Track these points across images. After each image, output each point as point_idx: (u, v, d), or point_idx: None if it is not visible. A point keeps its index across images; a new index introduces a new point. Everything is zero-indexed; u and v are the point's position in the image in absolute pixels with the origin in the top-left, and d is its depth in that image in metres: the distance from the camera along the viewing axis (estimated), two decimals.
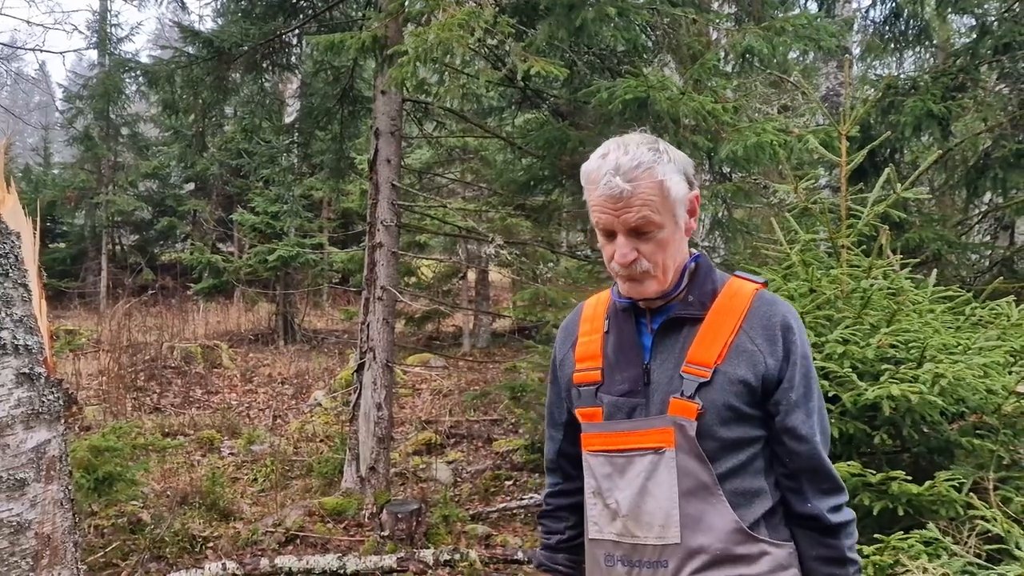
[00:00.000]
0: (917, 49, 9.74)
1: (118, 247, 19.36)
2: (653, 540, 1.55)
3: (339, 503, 6.03)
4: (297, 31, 7.44)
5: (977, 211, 8.93)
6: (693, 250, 1.68)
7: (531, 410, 7.53)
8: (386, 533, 5.47)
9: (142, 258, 18.18)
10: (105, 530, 5.45)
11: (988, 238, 9.38)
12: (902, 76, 8.08)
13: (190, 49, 7.15)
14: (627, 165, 1.50)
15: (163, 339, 11.54)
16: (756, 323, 1.57)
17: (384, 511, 5.59)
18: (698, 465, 1.53)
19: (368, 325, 6.24)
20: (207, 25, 23.18)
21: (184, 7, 7.95)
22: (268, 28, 6.99)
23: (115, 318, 12.59)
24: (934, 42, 9.54)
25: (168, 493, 6.32)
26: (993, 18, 7.93)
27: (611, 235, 1.56)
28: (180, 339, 11.87)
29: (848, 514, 1.59)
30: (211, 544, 5.49)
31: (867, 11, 8.88)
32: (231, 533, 5.66)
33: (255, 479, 7.07)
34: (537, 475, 7.15)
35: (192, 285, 14.95)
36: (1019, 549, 2.39)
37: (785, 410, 1.55)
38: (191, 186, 19.28)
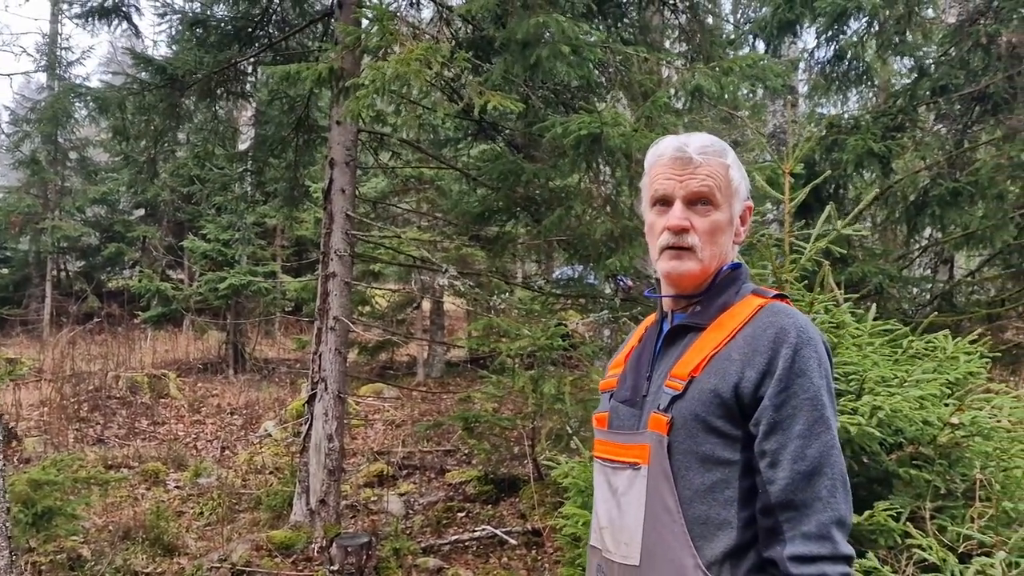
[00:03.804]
0: (860, 88, 10.10)
1: (63, 273, 18.89)
2: (619, 558, 1.52)
3: (288, 536, 5.92)
4: (252, 60, 7.44)
5: (917, 246, 9.23)
6: (738, 260, 1.64)
7: (484, 440, 7.51)
8: (335, 567, 5.38)
9: (88, 285, 17.77)
10: (43, 567, 5.27)
11: (928, 272, 9.68)
12: (845, 115, 8.37)
13: (143, 75, 7.09)
14: (700, 141, 1.56)
15: (108, 368, 11.26)
16: (746, 333, 1.46)
17: (334, 544, 5.51)
18: (665, 485, 1.44)
19: (320, 355, 6.19)
20: (161, 51, 22.97)
21: (137, 33, 7.87)
22: (223, 56, 6.98)
23: (58, 346, 12.27)
24: (875, 83, 9.90)
25: (110, 528, 6.15)
26: (930, 61, 8.28)
27: (667, 204, 1.55)
28: (126, 368, 11.59)
29: (820, 570, 1.33)
30: None
31: (812, 52, 9.19)
32: (175, 569, 5.52)
33: (201, 513, 6.91)
34: (490, 506, 7.12)
35: (140, 313, 14.65)
36: None
37: (764, 431, 1.39)
38: (141, 212, 18.95)
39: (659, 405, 1.49)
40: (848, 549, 1.37)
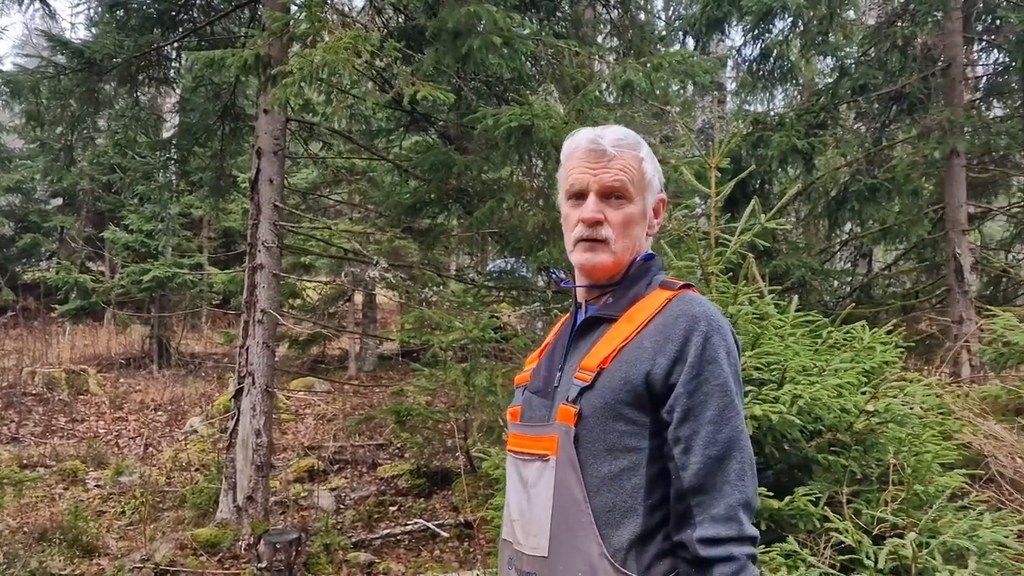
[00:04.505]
0: (786, 87, 10.38)
1: None
2: (528, 550, 1.52)
3: (214, 535, 5.79)
4: (176, 45, 7.20)
5: (838, 240, 9.54)
6: (651, 251, 1.66)
7: (417, 434, 7.47)
8: (263, 564, 5.28)
9: (2, 277, 16.98)
10: None
11: (848, 265, 10.03)
12: (771, 112, 8.59)
13: (59, 59, 6.80)
14: (614, 134, 1.57)
15: (23, 364, 10.81)
16: (657, 323, 1.48)
17: (262, 542, 5.40)
18: (572, 475, 1.45)
19: (247, 349, 6.06)
20: (79, 34, 22.06)
21: (52, 15, 7.54)
22: (144, 40, 6.74)
23: None
24: (800, 81, 10.18)
25: (25, 529, 5.91)
26: (851, 61, 8.55)
27: (582, 197, 1.56)
28: (42, 364, 11.15)
29: (728, 552, 1.35)
30: None
31: (740, 50, 9.40)
32: (95, 570, 5.34)
33: (123, 512, 6.70)
34: (422, 500, 7.09)
35: (57, 306, 14.09)
36: (869, 559, 2.55)
37: (678, 418, 1.41)
38: (58, 201, 18.20)
39: (568, 396, 1.50)
40: (754, 531, 1.40)
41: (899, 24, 8.06)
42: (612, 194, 1.55)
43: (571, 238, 1.59)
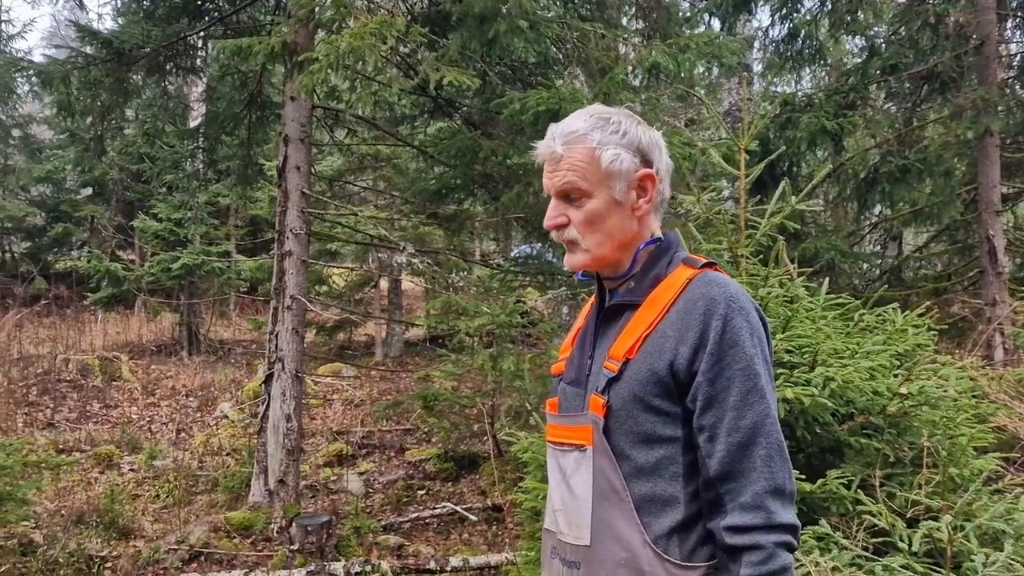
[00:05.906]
0: (813, 67, 10.23)
1: (8, 255, 18.35)
2: (571, 540, 1.53)
3: (246, 517, 5.88)
4: (202, 34, 7.25)
5: (868, 222, 9.43)
6: (660, 232, 1.59)
7: (444, 419, 7.52)
8: (295, 547, 5.36)
9: (34, 266, 17.27)
10: None
11: (878, 248, 9.91)
12: (799, 94, 8.48)
13: (88, 49, 6.87)
14: (568, 128, 1.53)
15: (57, 351, 10.99)
16: (678, 307, 1.45)
17: (293, 524, 5.48)
18: (609, 465, 1.45)
19: (276, 335, 6.12)
20: (107, 24, 22.24)
21: (81, 5, 7.63)
22: (171, 30, 6.79)
23: (5, 329, 11.94)
24: (828, 61, 10.04)
25: (63, 512, 6.04)
26: (881, 40, 8.41)
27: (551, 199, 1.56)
28: (76, 351, 11.33)
29: (754, 540, 1.33)
30: (109, 564, 5.27)
31: (767, 30, 9.28)
32: (131, 552, 5.44)
33: (157, 495, 6.82)
34: (450, 484, 7.14)
35: (89, 295, 14.31)
36: (902, 541, 2.54)
37: (700, 406, 1.39)
38: (88, 191, 18.44)
39: (597, 387, 1.50)
40: (786, 517, 1.36)
41: (930, 2, 7.91)
42: (568, 195, 1.52)
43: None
